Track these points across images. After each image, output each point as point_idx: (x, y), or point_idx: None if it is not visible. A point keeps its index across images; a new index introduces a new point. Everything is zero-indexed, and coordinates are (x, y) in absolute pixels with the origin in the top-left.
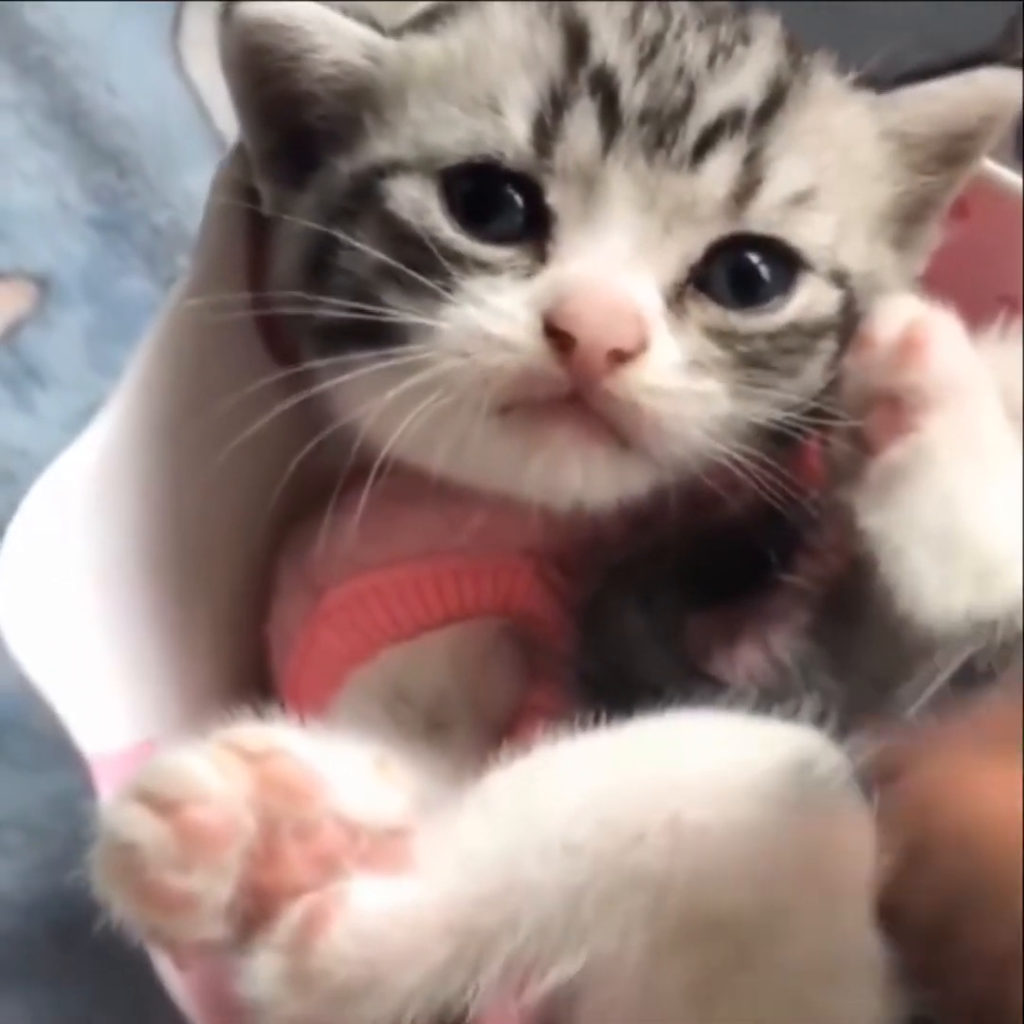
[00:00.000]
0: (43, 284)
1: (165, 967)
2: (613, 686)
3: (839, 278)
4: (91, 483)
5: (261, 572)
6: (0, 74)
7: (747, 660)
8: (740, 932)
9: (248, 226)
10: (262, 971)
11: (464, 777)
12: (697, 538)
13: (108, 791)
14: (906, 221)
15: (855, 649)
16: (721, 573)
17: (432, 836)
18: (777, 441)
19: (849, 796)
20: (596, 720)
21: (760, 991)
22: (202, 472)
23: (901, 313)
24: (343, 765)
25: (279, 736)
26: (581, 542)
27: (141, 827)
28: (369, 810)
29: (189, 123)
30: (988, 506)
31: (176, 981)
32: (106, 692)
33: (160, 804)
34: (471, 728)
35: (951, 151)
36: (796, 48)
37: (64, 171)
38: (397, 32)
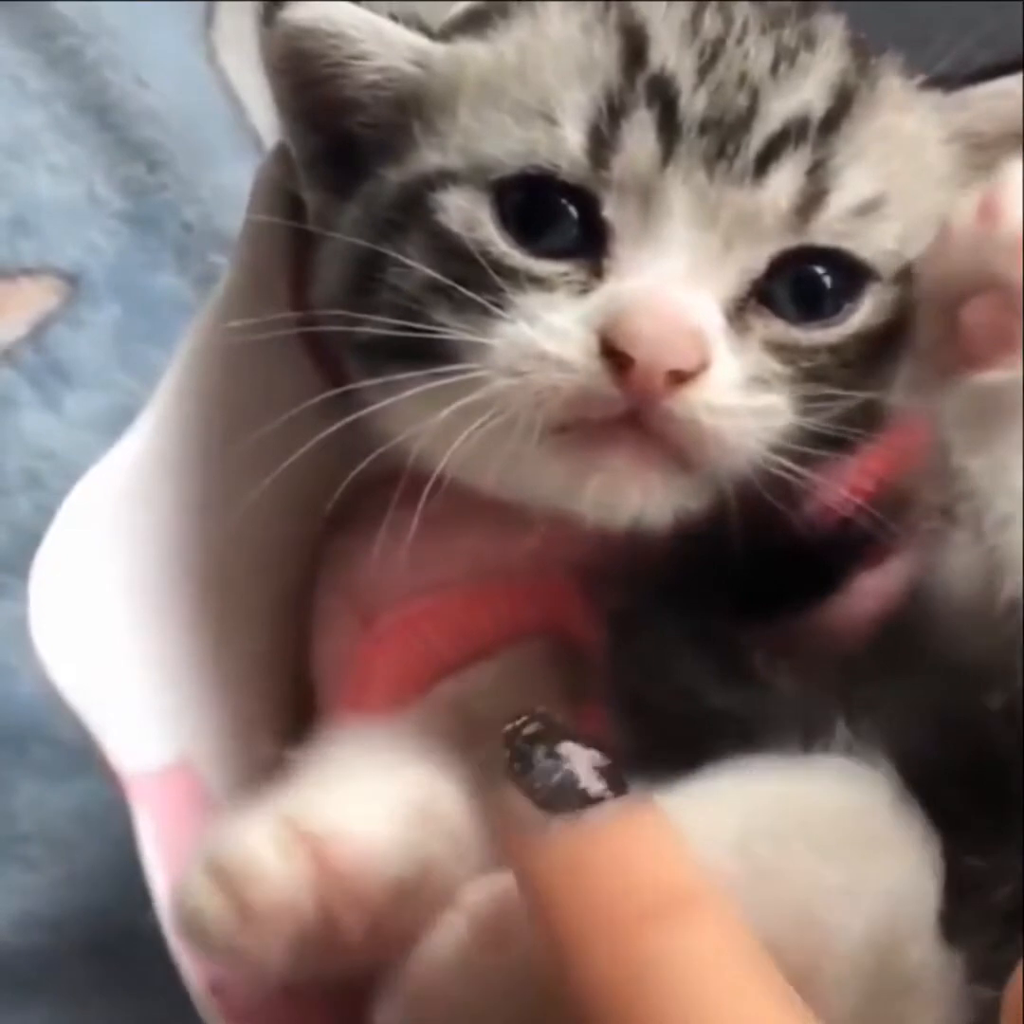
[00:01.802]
0: (72, 281)
1: (194, 986)
2: (647, 701)
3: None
4: (124, 497)
5: (297, 591)
6: (28, 64)
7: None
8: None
9: (290, 236)
10: None
11: None
12: (755, 551)
13: (142, 810)
14: None
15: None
16: (779, 587)
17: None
18: (839, 447)
19: (891, 822)
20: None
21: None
22: (240, 491)
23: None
24: (397, 830)
25: (338, 815)
26: (631, 557)
27: (205, 898)
28: (425, 876)
29: (220, 116)
30: None
31: (207, 1000)
32: (140, 708)
33: (223, 878)
34: None
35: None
36: (862, 51)
37: (93, 164)
38: (445, 34)
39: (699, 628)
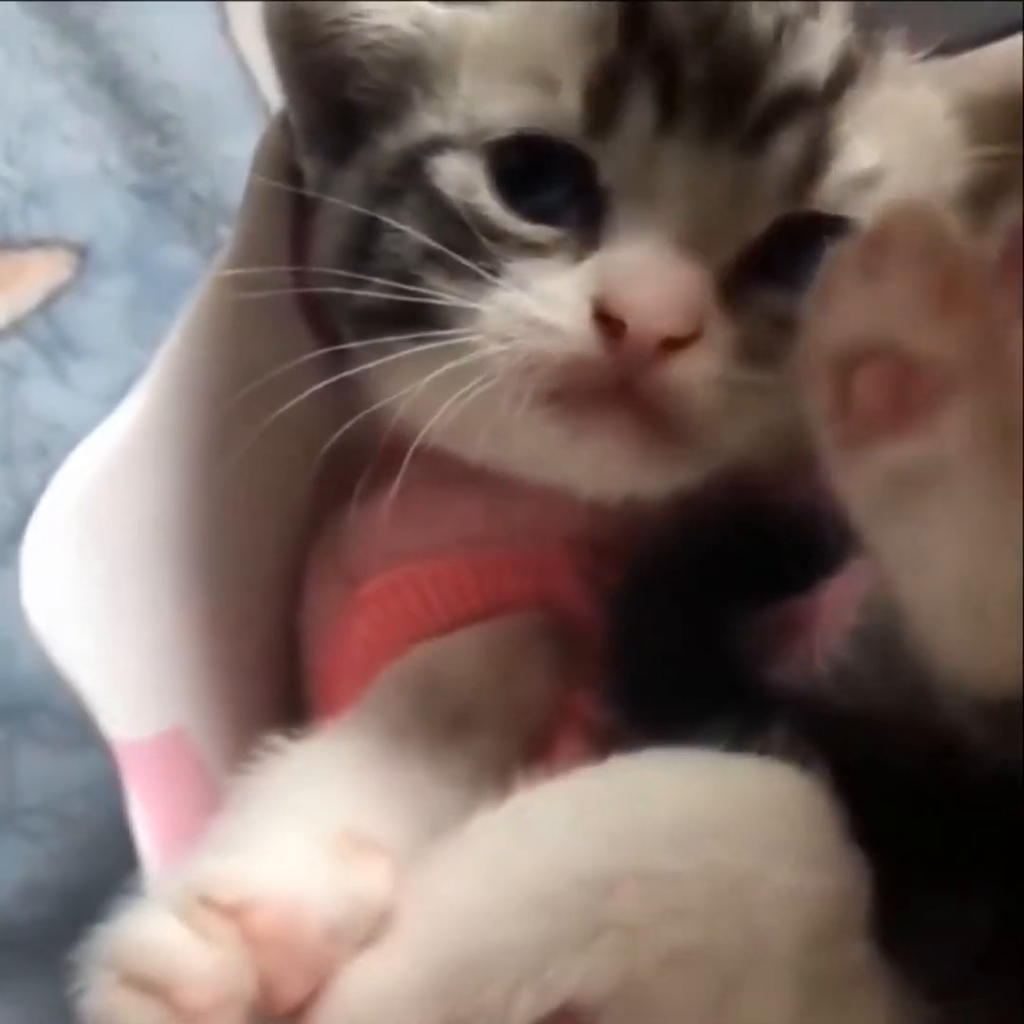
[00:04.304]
0: (82, 253)
1: None
2: (642, 684)
3: None
4: (122, 460)
5: (294, 558)
6: (42, 34)
7: (799, 660)
8: (719, 960)
9: (290, 200)
10: None
11: (486, 783)
12: (748, 531)
13: (135, 780)
14: (978, 203)
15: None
16: (774, 569)
17: (415, 895)
18: None
19: (824, 827)
20: (626, 724)
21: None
22: (237, 452)
23: (927, 240)
24: (320, 871)
25: (250, 877)
26: (625, 532)
27: (135, 1014)
28: (353, 910)
29: (233, 89)
30: None
31: None
32: (133, 677)
33: (149, 987)
34: (502, 727)
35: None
36: (868, 22)
37: (107, 136)
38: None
39: (690, 611)
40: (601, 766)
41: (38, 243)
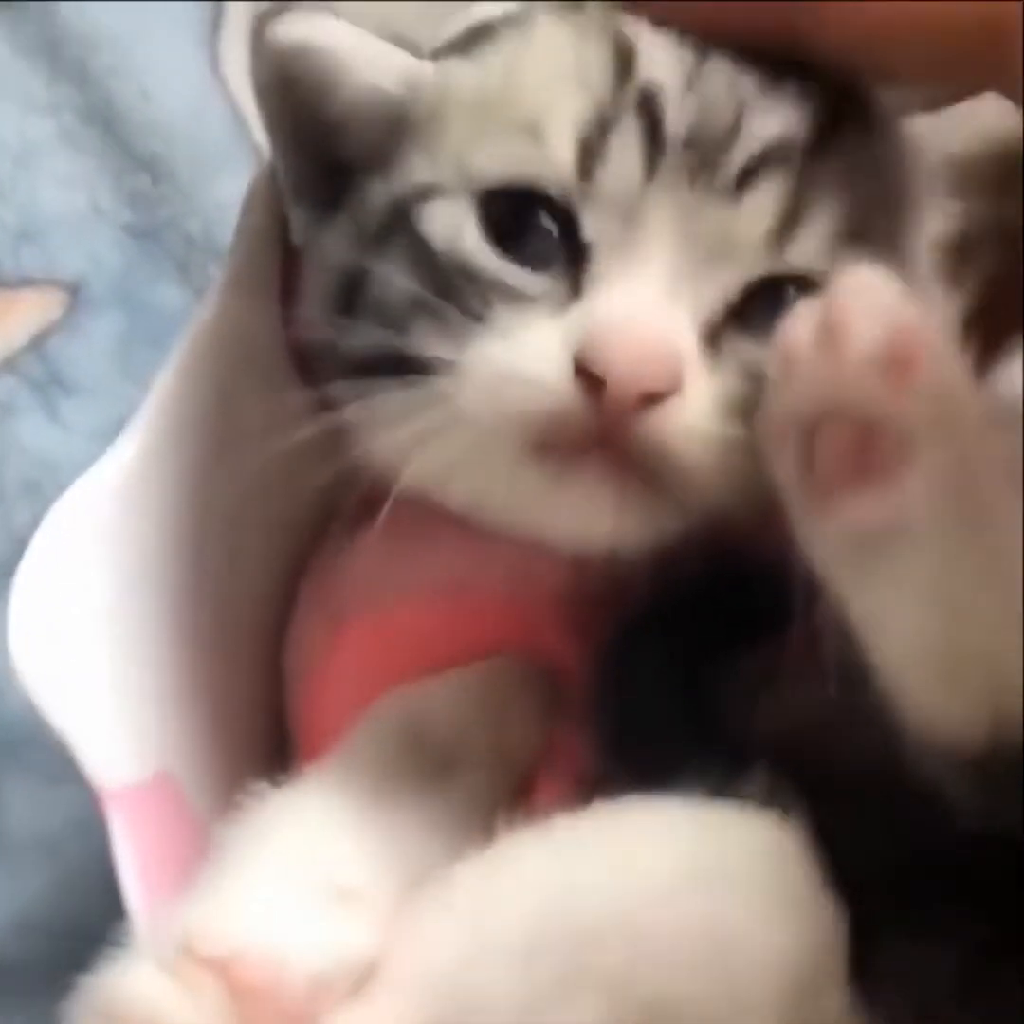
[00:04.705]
0: (74, 291)
1: None
2: (629, 734)
3: None
4: (110, 508)
5: (283, 602)
6: (36, 74)
7: (771, 710)
8: (703, 1012)
9: (280, 242)
10: None
11: (471, 828)
12: (727, 580)
13: (123, 825)
14: (958, 254)
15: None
16: (752, 617)
17: (400, 944)
18: None
19: (805, 877)
20: (611, 772)
21: None
22: (227, 497)
23: (880, 310)
24: (304, 922)
25: (234, 929)
26: (609, 582)
27: None
28: (340, 963)
29: (224, 129)
30: (994, 597)
31: None
32: (121, 721)
33: None
34: (487, 770)
35: (1004, 175)
36: (852, 79)
37: (99, 175)
38: (435, 54)
39: (671, 658)
40: (584, 814)
41: (29, 281)
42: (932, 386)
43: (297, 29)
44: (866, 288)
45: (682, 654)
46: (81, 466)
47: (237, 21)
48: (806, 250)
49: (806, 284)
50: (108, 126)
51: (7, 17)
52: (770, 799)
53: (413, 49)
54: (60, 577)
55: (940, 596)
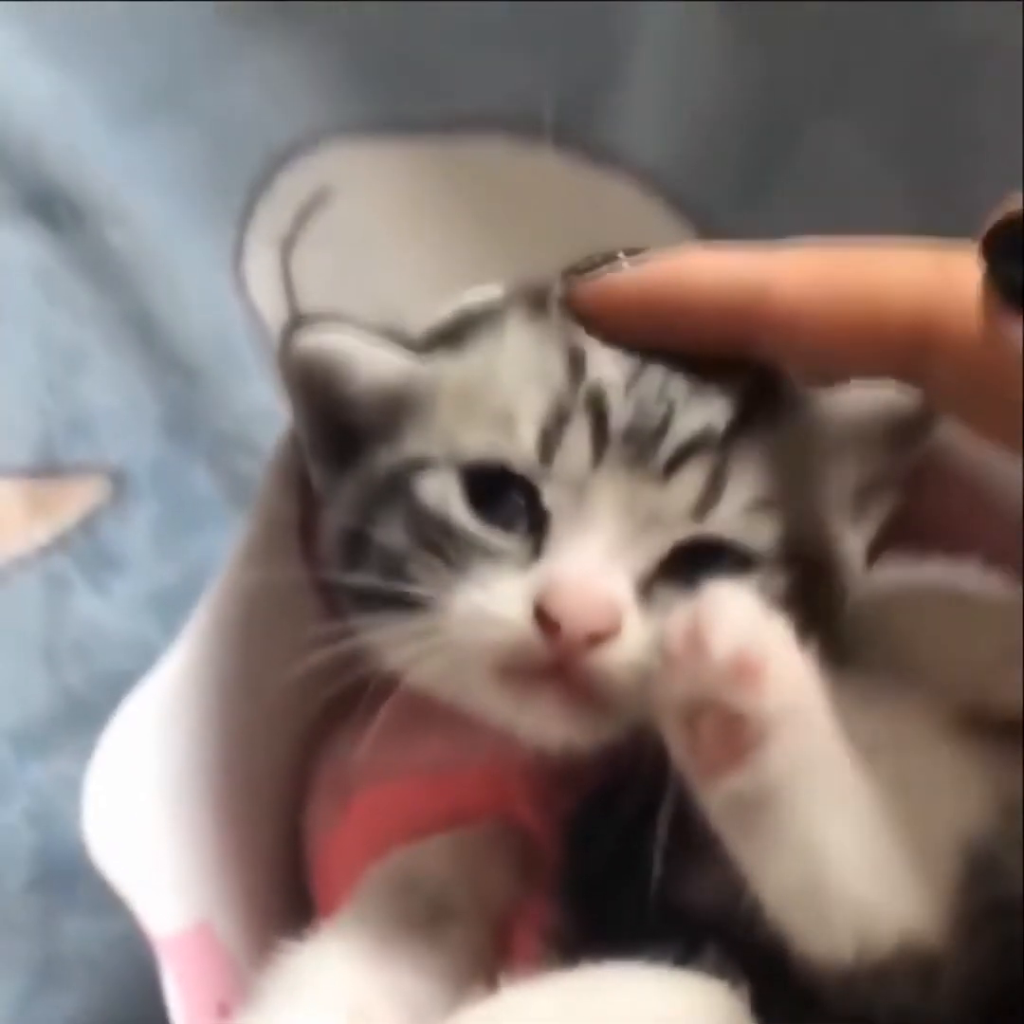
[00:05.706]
0: (118, 479)
1: None
2: (591, 905)
3: (791, 561)
4: (162, 710)
5: (296, 779)
6: (84, 284)
7: (712, 884)
8: None
9: (301, 488)
10: None
11: (461, 970)
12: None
13: (169, 972)
14: (861, 496)
15: None
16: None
17: None
18: None
19: None
20: (576, 932)
21: None
22: (256, 706)
23: (734, 622)
24: None
25: None
26: (569, 767)
27: None
28: None
29: (249, 343)
30: (847, 842)
31: None
32: (167, 880)
33: None
34: (474, 919)
35: (897, 437)
36: (768, 374)
37: (137, 376)
38: (427, 346)
39: (626, 830)
40: (560, 980)
41: (77, 469)
42: (780, 682)
43: (315, 338)
44: (724, 602)
45: (632, 827)
46: (123, 631)
47: (257, 248)
48: (725, 517)
49: (725, 547)
50: (145, 334)
51: (63, 237)
52: (716, 967)
53: (405, 339)
54: (123, 762)
55: (806, 850)
